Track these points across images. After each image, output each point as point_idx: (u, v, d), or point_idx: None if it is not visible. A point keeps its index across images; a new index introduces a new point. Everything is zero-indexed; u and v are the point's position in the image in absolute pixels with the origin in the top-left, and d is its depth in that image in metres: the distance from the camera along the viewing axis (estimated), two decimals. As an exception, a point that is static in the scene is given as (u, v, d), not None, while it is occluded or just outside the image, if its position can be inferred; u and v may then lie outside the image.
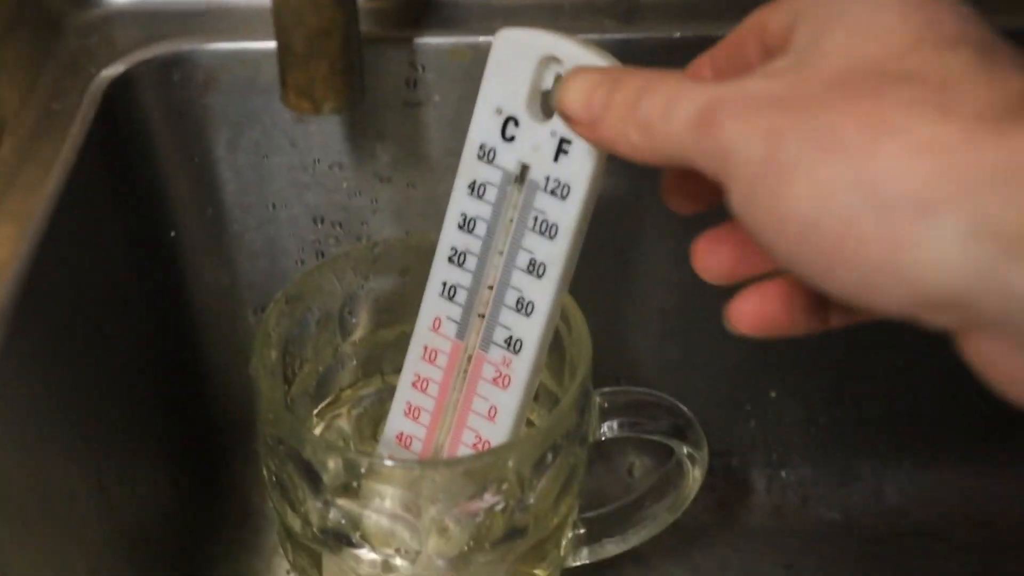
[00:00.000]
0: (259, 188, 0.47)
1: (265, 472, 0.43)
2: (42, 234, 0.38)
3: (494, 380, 0.40)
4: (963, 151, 0.25)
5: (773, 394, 0.53)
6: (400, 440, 0.42)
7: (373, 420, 0.49)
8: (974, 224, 0.24)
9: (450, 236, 0.40)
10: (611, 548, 0.48)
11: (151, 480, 0.48)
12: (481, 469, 0.40)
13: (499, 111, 0.36)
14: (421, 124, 0.46)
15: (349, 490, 0.40)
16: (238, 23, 0.46)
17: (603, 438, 0.44)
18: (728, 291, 0.53)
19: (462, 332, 0.40)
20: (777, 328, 0.35)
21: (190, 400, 0.52)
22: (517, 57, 0.36)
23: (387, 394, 0.49)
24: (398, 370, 0.48)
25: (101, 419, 0.43)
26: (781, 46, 0.30)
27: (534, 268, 0.38)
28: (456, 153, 0.46)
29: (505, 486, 0.40)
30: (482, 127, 0.37)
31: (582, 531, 0.48)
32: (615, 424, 0.44)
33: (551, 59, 0.35)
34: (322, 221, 0.48)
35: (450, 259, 0.40)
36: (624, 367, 0.52)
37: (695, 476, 0.46)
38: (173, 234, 0.48)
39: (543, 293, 0.38)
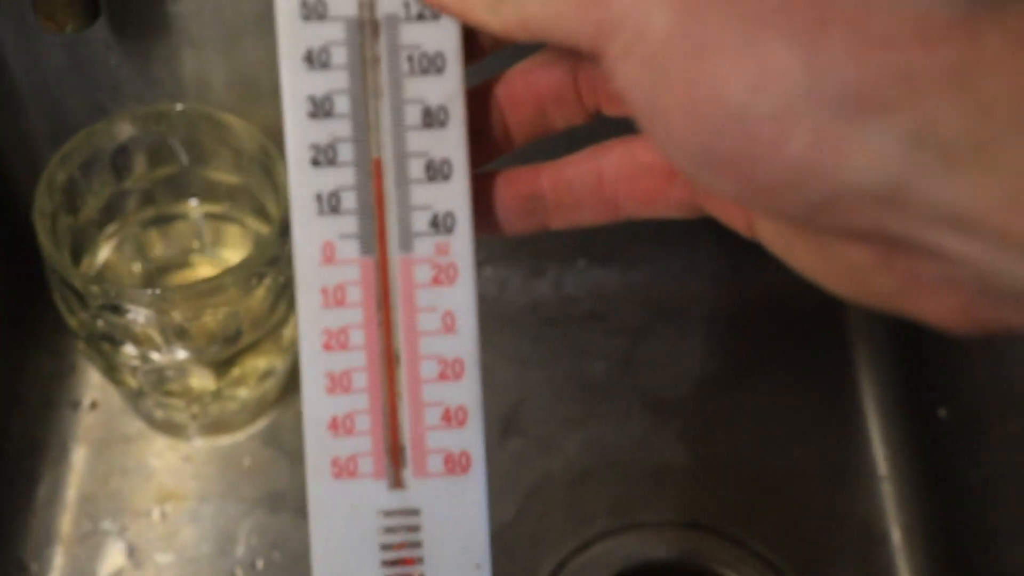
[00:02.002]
0: (48, 63, 0.56)
1: (54, 287, 0.54)
2: None
3: (435, 280, 0.30)
4: (914, 50, 0.22)
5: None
6: (335, 427, 0.31)
7: (154, 237, 0.60)
8: (917, 129, 0.22)
9: (303, 133, 0.30)
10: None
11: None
12: (206, 291, 0.51)
13: None
14: (169, 16, 0.54)
15: (111, 306, 0.51)
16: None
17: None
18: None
19: (368, 244, 0.30)
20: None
21: (8, 222, 0.63)
22: None
23: (164, 217, 0.61)
24: (171, 199, 0.61)
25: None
26: None
27: (431, 118, 0.30)
28: (196, 40, 0.56)
29: (224, 299, 0.52)
30: None
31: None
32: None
33: None
34: (101, 87, 0.57)
35: (315, 161, 0.30)
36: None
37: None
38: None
39: (453, 142, 0.30)
